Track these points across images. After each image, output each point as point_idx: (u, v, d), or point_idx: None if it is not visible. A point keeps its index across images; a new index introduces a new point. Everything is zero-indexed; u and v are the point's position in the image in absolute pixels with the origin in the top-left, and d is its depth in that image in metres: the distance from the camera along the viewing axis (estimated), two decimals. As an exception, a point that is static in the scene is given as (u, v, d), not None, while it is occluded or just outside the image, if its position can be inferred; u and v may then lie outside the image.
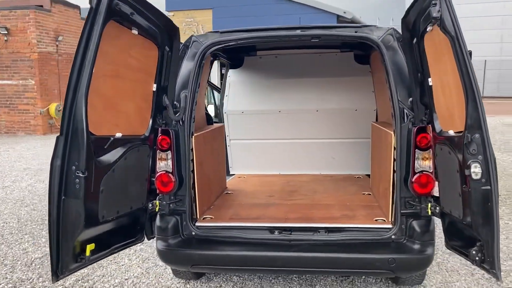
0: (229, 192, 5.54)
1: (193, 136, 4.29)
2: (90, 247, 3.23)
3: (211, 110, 8.46)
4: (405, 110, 3.97)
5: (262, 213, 4.55)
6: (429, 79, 3.64)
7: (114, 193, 3.52)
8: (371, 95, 6.16)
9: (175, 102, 4.26)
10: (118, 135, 3.58)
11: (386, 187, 4.38)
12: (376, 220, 4.26)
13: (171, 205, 4.24)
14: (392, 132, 4.08)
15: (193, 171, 4.31)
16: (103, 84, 3.36)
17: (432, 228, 3.93)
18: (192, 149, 4.27)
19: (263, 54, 6.50)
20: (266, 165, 6.61)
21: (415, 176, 3.86)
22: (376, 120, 6.15)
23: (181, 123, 4.20)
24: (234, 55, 6.43)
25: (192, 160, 4.29)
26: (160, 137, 4.15)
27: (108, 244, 3.59)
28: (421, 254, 3.87)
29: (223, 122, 6.49)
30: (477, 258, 3.03)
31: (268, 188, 5.68)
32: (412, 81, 3.87)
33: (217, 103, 7.82)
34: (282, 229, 4.13)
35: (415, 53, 3.73)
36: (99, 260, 3.58)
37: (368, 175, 6.32)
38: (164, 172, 4.16)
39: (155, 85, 4.00)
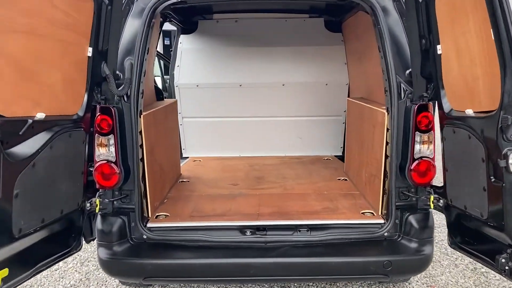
0: (184, 180, 4.71)
1: (141, 115, 3.40)
2: (1, 274, 2.31)
3: (157, 83, 7.48)
4: (402, 85, 3.33)
5: (228, 208, 3.79)
6: (438, 46, 2.99)
7: (36, 196, 2.59)
8: (343, 68, 5.50)
9: (117, 72, 3.34)
10: (40, 116, 2.62)
11: (373, 174, 3.76)
12: (363, 213, 3.64)
13: (115, 202, 3.39)
14: (385, 111, 3.43)
15: (142, 159, 3.44)
16: (14, 43, 2.38)
17: (431, 224, 3.38)
18: (140, 132, 3.39)
19: (221, 17, 5.60)
20: (225, 147, 5.82)
21: (414, 163, 3.26)
22: (348, 94, 5.53)
23: (125, 99, 3.30)
24: (187, 17, 5.49)
25: (141, 145, 3.41)
26: (99, 117, 3.23)
27: (31, 262, 2.68)
28: (419, 254, 3.32)
29: (174, 97, 5.58)
30: (507, 268, 2.48)
31: (231, 174, 4.90)
32: (413, 49, 3.21)
33: (164, 75, 6.84)
34: (255, 229, 3.41)
35: (420, 14, 3.05)
36: (19, 285, 2.65)
37: (338, 157, 5.75)
38: (105, 162, 3.27)
39: (90, 49, 3.04)
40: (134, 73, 3.27)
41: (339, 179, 4.68)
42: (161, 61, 7.04)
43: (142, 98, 3.40)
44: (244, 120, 5.74)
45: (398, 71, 3.31)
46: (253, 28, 5.61)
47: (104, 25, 3.11)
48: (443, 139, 3.10)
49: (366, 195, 3.98)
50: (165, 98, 5.56)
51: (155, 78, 7.58)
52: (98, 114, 3.24)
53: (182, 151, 5.83)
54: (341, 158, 5.72)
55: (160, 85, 7.19)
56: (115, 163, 3.28)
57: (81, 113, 3.04)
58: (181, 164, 5.38)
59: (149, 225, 3.45)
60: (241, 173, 4.96)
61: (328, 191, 4.25)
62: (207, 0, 4.47)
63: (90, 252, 4.85)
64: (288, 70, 5.56)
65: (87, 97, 3.08)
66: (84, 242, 3.30)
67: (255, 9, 5.49)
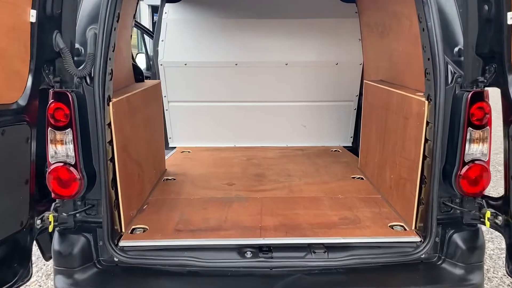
0: (169, 178, 3.93)
1: (110, 103, 2.61)
2: None
3: (141, 61, 6.62)
4: (450, 66, 2.56)
5: (223, 218, 3.04)
6: (509, 14, 2.22)
7: None
8: (356, 45, 4.70)
9: (77, 46, 2.55)
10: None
11: (403, 177, 3.02)
12: (391, 227, 2.92)
13: (77, 216, 2.63)
14: (425, 99, 2.68)
15: (112, 159, 2.66)
16: None
17: (481, 244, 2.68)
18: (109, 124, 2.60)
19: (214, -17, 4.75)
20: (218, 136, 5.03)
21: (465, 168, 2.53)
22: (362, 76, 4.75)
23: (88, 81, 2.50)
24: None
25: (111, 141, 2.63)
26: (53, 105, 2.45)
27: None
28: (467, 284, 2.61)
29: (157, 78, 4.75)
30: None
31: (225, 170, 4.14)
32: (468, 19, 2.44)
33: (149, 52, 5.98)
34: (257, 248, 2.68)
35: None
36: None
37: (347, 148, 5.00)
38: (62, 164, 2.50)
39: (33, 12, 2.21)
40: (99, 46, 2.46)
41: (354, 178, 3.94)
42: (145, 36, 6.17)
43: (111, 80, 2.60)
44: (240, 105, 4.94)
45: (445, 48, 2.54)
46: (251, -3, 4.77)
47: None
48: (507, 137, 2.36)
49: (392, 202, 3.25)
50: (149, 79, 4.77)
51: (141, 55, 6.75)
52: (51, 101, 2.45)
53: (168, 140, 5.04)
54: (351, 149, 4.99)
55: (145, 63, 6.37)
56: (74, 165, 2.50)
57: (23, 102, 2.23)
58: (166, 157, 4.60)
59: (122, 243, 2.69)
60: (237, 169, 4.19)
61: (343, 194, 3.51)
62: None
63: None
64: (292, 47, 4.75)
65: (31, 79, 2.27)
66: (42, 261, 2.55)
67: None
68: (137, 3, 3.62)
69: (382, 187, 3.51)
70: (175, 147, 5.02)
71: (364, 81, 4.03)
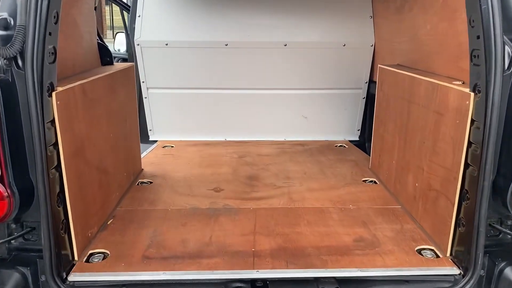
0: (145, 181, 3.28)
1: (54, 93, 1.94)
2: None
3: (121, 41, 5.89)
4: (507, 47, 1.92)
5: (207, 239, 2.40)
6: None
7: None
8: (367, 23, 4.03)
9: (3, 15, 1.87)
10: None
11: (435, 189, 2.39)
12: (419, 252, 2.30)
13: (12, 242, 2.00)
14: (470, 90, 2.03)
15: (59, 167, 2.01)
16: None
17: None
18: (52, 121, 1.94)
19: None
20: (206, 128, 4.38)
21: (526, 183, 1.91)
22: (373, 60, 4.09)
23: (20, 63, 1.84)
24: None
25: (55, 144, 1.97)
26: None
27: None
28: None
29: (134, 60, 4.06)
30: None
31: (213, 171, 3.49)
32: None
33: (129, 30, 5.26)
34: (249, 283, 2.05)
35: None
36: None
37: (353, 142, 4.37)
38: (-17, 177, 1.84)
39: None
40: (31, 15, 1.78)
41: (365, 181, 3.32)
42: (123, 12, 5.43)
43: (53, 62, 1.93)
44: (231, 92, 4.28)
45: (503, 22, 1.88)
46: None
47: None
48: None
49: (417, 216, 2.62)
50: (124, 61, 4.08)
51: (120, 34, 6.01)
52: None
53: (148, 132, 4.38)
54: (358, 144, 4.36)
55: (124, 45, 5.64)
56: (0, 179, 1.85)
57: None
58: (145, 153, 3.95)
59: (72, 277, 2.05)
60: (227, 169, 3.55)
61: (355, 203, 2.89)
62: None
63: None
64: (291, 25, 4.07)
65: None
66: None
67: None
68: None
69: (402, 195, 2.88)
70: (156, 141, 4.36)
71: (379, 65, 3.37)
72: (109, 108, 2.71)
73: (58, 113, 1.97)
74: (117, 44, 5.99)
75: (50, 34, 1.86)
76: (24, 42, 1.80)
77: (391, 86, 3.13)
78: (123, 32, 5.73)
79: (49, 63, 1.89)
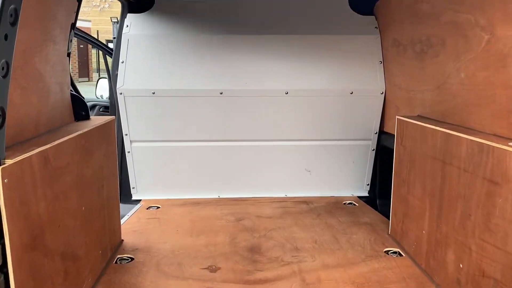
0: (125, 257, 2.72)
1: None
2: None
3: (103, 87, 5.45)
4: None
5: None
6: None
7: None
8: (377, 69, 3.65)
9: None
10: None
11: (490, 276, 1.90)
12: None
13: None
14: None
15: (3, 267, 1.47)
16: None
17: None
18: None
19: (191, -11, 3.68)
20: (197, 184, 3.87)
21: None
22: (383, 110, 3.69)
23: None
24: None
25: (0, 236, 1.45)
26: None
27: None
28: None
29: (117, 110, 3.59)
30: None
31: (206, 241, 2.96)
32: None
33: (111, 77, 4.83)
34: None
35: None
36: None
37: (363, 199, 3.90)
38: None
39: None
40: None
41: (388, 252, 2.81)
42: (106, 56, 5.02)
43: (1, 126, 1.44)
44: (226, 145, 3.81)
45: None
46: (241, 7, 3.70)
47: None
48: None
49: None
50: (105, 113, 3.60)
51: (103, 80, 5.58)
52: None
53: (131, 191, 3.85)
54: (368, 200, 3.89)
55: (107, 91, 5.21)
56: None
57: None
58: (126, 217, 3.41)
59: None
60: (223, 238, 3.02)
61: (383, 285, 2.37)
62: None
63: None
64: (292, 71, 3.68)
65: None
66: None
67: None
68: (78, 8, 2.47)
69: (439, 274, 2.37)
70: (139, 200, 3.82)
71: (397, 117, 2.95)
72: (81, 174, 2.20)
73: (4, 195, 1.46)
74: (100, 90, 5.55)
75: (5, 84, 1.38)
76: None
77: (416, 141, 2.69)
78: (105, 78, 5.32)
79: None
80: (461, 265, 2.16)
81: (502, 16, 1.94)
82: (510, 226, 1.78)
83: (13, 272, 1.50)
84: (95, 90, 5.43)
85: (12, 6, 1.38)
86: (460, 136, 2.17)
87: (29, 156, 1.65)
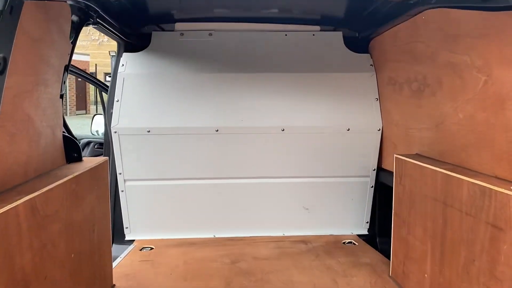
0: (117, 305, 2.61)
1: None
2: None
3: (99, 123, 5.42)
4: None
5: None
6: None
7: None
8: (373, 106, 3.64)
9: None
10: None
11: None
12: None
13: None
14: None
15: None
16: None
17: None
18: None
19: (188, 28, 3.70)
20: (192, 223, 3.77)
21: None
22: (381, 146, 3.66)
23: None
24: (133, 25, 3.57)
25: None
26: None
27: None
28: None
29: (111, 149, 3.54)
30: None
31: (200, 287, 2.84)
32: None
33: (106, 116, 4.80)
34: None
35: None
36: None
37: (362, 237, 3.81)
38: None
39: None
40: None
41: (390, 297, 2.71)
42: (102, 93, 5.02)
43: None
44: (222, 182, 3.74)
45: None
46: (236, 45, 3.72)
47: None
48: None
49: None
50: (98, 151, 3.55)
51: (98, 116, 5.56)
52: None
53: (124, 231, 3.74)
54: (367, 239, 3.80)
55: (102, 128, 5.16)
56: None
57: None
58: (118, 259, 3.30)
59: None
60: (218, 282, 2.91)
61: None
62: None
63: None
64: (289, 108, 3.66)
65: None
66: None
67: (238, 17, 3.64)
68: (72, 50, 2.46)
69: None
70: (133, 241, 3.71)
71: (395, 155, 2.91)
72: (70, 220, 2.13)
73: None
74: (95, 126, 5.52)
75: None
76: None
77: (415, 181, 2.64)
78: (101, 114, 5.29)
79: None
80: (467, 314, 2.06)
81: (498, 58, 1.94)
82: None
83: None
84: (91, 127, 5.40)
85: (0, 55, 1.35)
86: (461, 178, 2.12)
87: (15, 206, 1.58)
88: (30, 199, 1.70)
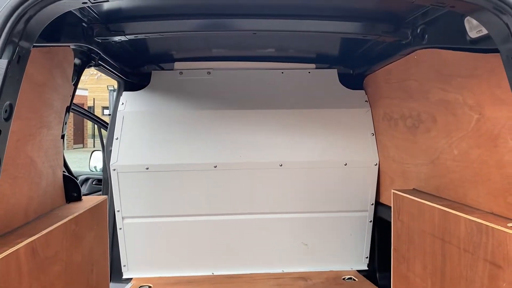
0: None
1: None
2: None
3: (97, 158, 5.45)
4: None
5: None
6: None
7: None
8: (369, 141, 3.69)
9: None
10: None
11: None
12: None
13: None
14: None
15: None
16: None
17: None
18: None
19: (186, 67, 3.79)
20: (190, 261, 3.74)
21: None
22: (378, 181, 3.68)
23: None
24: (133, 64, 3.66)
25: None
26: None
27: None
28: None
29: (109, 186, 3.55)
30: None
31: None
32: None
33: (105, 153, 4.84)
34: None
35: None
36: None
37: (361, 273, 3.78)
38: None
39: None
40: None
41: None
42: (101, 130, 5.07)
43: None
44: (220, 219, 3.74)
45: None
46: (234, 83, 3.80)
47: None
48: None
49: None
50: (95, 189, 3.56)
51: (97, 152, 5.59)
52: None
53: (122, 269, 3.70)
54: (367, 274, 3.77)
55: (101, 163, 5.19)
56: None
57: None
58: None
59: None
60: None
61: None
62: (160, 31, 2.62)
63: None
64: (286, 144, 3.70)
65: None
66: None
67: (236, 56, 3.75)
68: (74, 91, 2.52)
69: None
70: (130, 279, 3.67)
71: (393, 191, 2.93)
72: (70, 261, 2.12)
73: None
74: (94, 161, 5.55)
75: None
76: None
77: (413, 217, 2.66)
78: (99, 150, 5.33)
79: None
80: None
81: (489, 98, 2.00)
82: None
83: None
84: (89, 163, 5.42)
85: (7, 103, 1.40)
86: (458, 215, 2.14)
87: (16, 250, 1.59)
88: (31, 242, 1.71)
